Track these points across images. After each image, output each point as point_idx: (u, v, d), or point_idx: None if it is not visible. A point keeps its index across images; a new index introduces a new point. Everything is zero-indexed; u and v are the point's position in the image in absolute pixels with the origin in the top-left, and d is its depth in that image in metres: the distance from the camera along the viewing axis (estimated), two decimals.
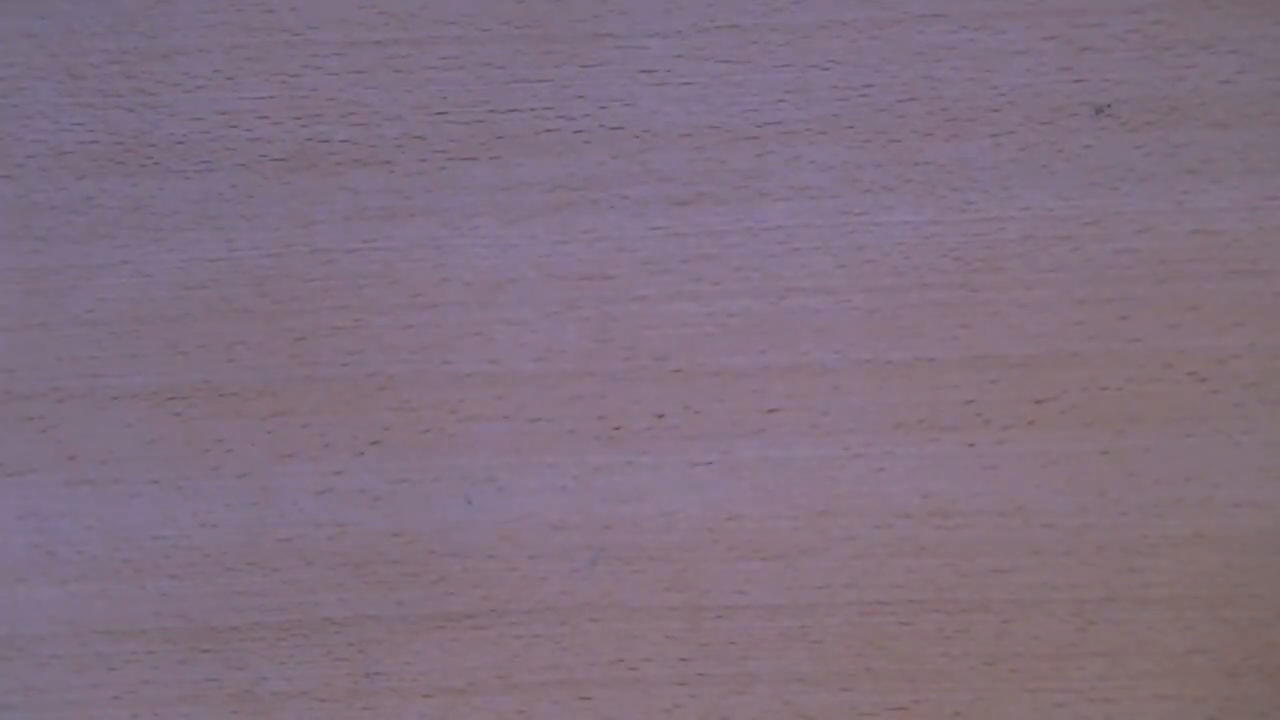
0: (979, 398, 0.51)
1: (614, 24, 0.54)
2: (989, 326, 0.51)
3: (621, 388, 0.51)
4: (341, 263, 0.52)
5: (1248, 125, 0.52)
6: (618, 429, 0.51)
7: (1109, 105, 0.53)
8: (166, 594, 0.50)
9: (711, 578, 0.50)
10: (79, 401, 0.52)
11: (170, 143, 0.54)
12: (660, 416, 0.51)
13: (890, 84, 0.53)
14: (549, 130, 0.53)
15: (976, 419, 0.50)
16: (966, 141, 0.52)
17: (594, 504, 0.51)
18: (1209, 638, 0.49)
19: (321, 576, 0.50)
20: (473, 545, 0.50)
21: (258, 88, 0.52)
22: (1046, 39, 0.53)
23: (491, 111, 0.53)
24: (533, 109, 0.53)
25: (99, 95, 0.54)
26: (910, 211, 0.52)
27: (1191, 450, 0.50)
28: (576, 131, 0.53)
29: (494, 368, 0.52)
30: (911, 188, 0.52)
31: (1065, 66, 0.53)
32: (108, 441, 0.51)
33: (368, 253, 0.52)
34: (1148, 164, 0.52)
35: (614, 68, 0.54)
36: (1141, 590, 0.49)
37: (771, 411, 0.51)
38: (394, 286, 0.52)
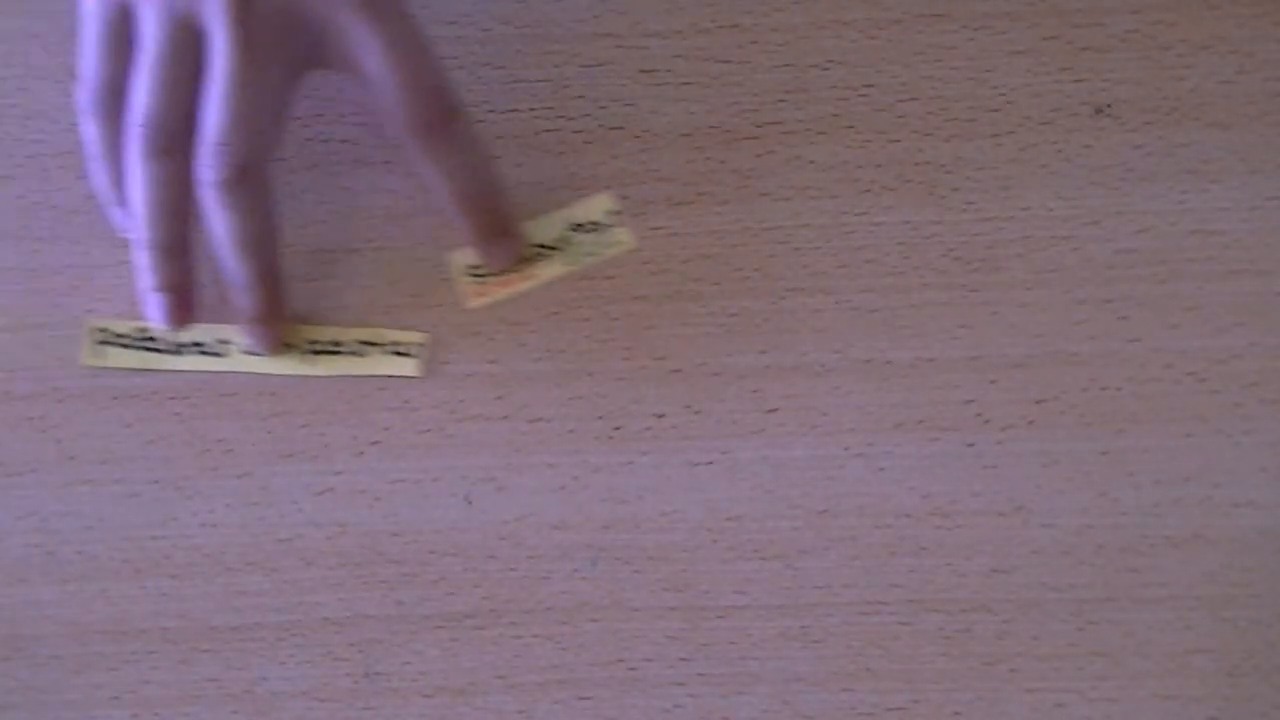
0: (979, 398, 0.51)
1: (614, 24, 0.54)
2: (989, 326, 0.51)
3: (621, 388, 0.51)
4: (342, 262, 0.52)
5: (1248, 125, 0.52)
6: (618, 429, 0.51)
7: (1109, 105, 0.53)
8: (166, 594, 0.51)
9: (711, 578, 0.50)
10: (79, 401, 0.52)
11: None
12: (660, 416, 0.51)
13: (890, 84, 0.53)
14: (549, 130, 0.53)
15: (976, 419, 0.51)
16: (966, 141, 0.52)
17: (594, 504, 0.51)
18: (1209, 638, 0.49)
19: (321, 576, 0.50)
20: (473, 545, 0.50)
21: None
22: (1046, 39, 0.53)
23: (491, 111, 0.53)
24: (533, 109, 0.53)
25: None
26: (910, 211, 0.52)
27: (1191, 450, 0.50)
28: (576, 131, 0.53)
29: (494, 368, 0.52)
30: (911, 188, 0.52)
31: (1065, 66, 0.53)
32: (108, 441, 0.51)
33: (368, 253, 0.52)
34: (1148, 164, 0.52)
35: (614, 68, 0.54)
36: (1141, 590, 0.49)
37: (771, 411, 0.51)
38: (394, 286, 0.52)
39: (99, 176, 0.51)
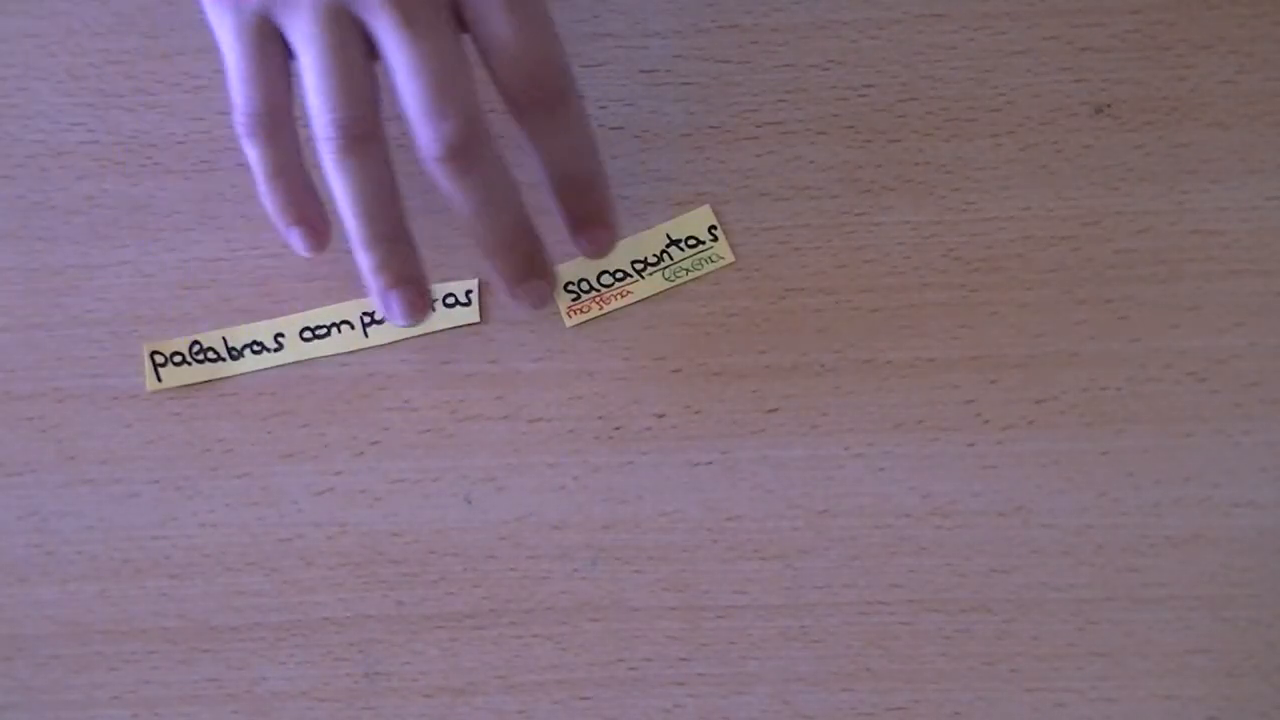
0: (979, 398, 0.51)
1: (614, 24, 0.54)
2: (989, 326, 0.51)
3: (621, 388, 0.51)
4: (342, 263, 0.52)
5: (1248, 125, 0.52)
6: (618, 429, 0.51)
7: (1109, 105, 0.53)
8: (166, 594, 0.51)
9: (711, 578, 0.50)
10: (79, 401, 0.52)
11: (170, 143, 0.54)
12: (660, 416, 0.51)
13: (890, 84, 0.53)
14: None
15: (976, 419, 0.51)
16: (966, 141, 0.52)
17: (594, 504, 0.51)
18: (1209, 638, 0.49)
19: (321, 576, 0.50)
20: (473, 545, 0.50)
21: None
22: (1046, 39, 0.53)
23: (492, 111, 0.53)
24: None
25: (99, 95, 0.54)
26: (910, 211, 0.52)
27: (1191, 450, 0.50)
28: None
29: (494, 368, 0.52)
30: (911, 188, 0.52)
31: (1065, 66, 0.53)
32: (108, 441, 0.51)
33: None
34: (1148, 164, 0.52)
35: (614, 68, 0.54)
36: (1141, 590, 0.49)
37: (771, 411, 0.51)
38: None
39: (271, 200, 0.49)
